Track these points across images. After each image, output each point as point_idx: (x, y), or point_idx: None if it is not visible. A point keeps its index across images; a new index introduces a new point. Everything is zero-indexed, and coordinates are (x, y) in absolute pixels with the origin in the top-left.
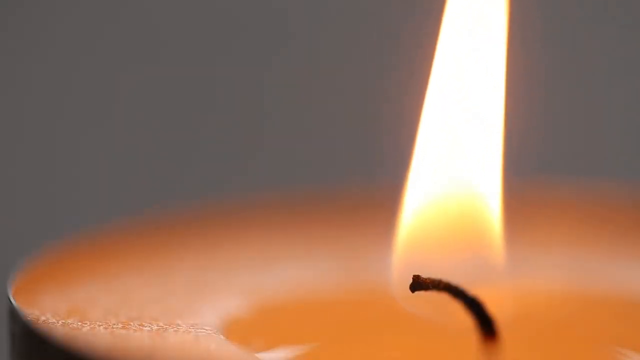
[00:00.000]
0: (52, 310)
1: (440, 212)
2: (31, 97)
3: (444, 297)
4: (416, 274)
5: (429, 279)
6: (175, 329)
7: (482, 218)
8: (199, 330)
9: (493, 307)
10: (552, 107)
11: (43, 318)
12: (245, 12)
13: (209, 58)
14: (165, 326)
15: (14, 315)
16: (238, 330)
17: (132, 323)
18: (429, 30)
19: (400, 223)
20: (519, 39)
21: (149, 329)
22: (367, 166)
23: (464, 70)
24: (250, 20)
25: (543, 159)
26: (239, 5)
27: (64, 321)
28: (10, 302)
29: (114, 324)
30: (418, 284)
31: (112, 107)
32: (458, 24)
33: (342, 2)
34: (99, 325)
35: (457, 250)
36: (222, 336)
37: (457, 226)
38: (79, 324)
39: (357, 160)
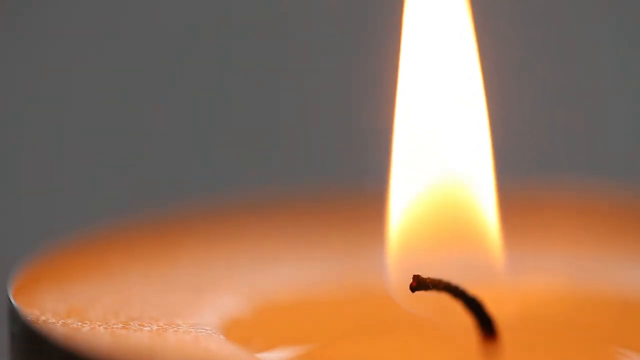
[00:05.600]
0: (52, 310)
1: (433, 210)
2: (31, 97)
3: (443, 297)
4: (416, 273)
5: (429, 278)
6: (175, 329)
7: (476, 215)
8: (199, 330)
9: (493, 307)
10: (552, 107)
11: (43, 318)
12: (244, 12)
13: (208, 59)
14: (165, 326)
15: (14, 315)
16: (238, 330)
17: (132, 323)
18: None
19: (393, 222)
20: (516, 36)
21: (149, 329)
22: (367, 165)
23: (437, 60)
24: (248, 20)
25: (543, 158)
26: (236, 6)
27: (64, 321)
28: (10, 302)
29: (114, 324)
30: (418, 283)
31: (111, 107)
32: (424, 15)
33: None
34: (99, 325)
35: (453, 249)
36: (222, 336)
37: (453, 224)
38: (79, 324)
39: (357, 159)
